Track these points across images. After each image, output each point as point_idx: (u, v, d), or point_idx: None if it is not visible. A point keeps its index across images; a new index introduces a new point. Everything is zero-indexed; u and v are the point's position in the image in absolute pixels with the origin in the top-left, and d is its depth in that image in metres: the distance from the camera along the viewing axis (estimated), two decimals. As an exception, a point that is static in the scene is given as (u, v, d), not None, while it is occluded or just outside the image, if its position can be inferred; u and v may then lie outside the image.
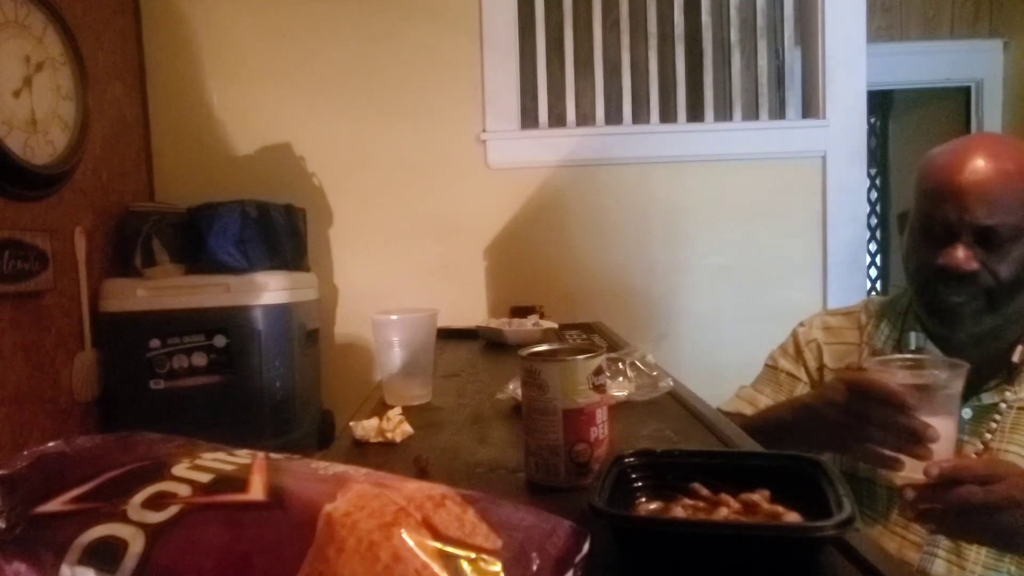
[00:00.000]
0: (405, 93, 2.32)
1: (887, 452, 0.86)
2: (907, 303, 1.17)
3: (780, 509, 0.53)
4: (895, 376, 0.87)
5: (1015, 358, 1.04)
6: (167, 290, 1.88)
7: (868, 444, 0.87)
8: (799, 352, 1.24)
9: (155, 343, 1.85)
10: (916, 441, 0.84)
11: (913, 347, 1.10)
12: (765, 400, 1.23)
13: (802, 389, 1.22)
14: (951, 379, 0.86)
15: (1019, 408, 1.03)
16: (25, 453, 0.47)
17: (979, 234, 0.98)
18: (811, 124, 2.34)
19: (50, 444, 0.49)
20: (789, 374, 1.24)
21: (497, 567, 0.38)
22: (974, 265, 0.98)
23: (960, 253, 0.98)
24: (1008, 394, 1.03)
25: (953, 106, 3.04)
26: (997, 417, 1.03)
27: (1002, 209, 0.97)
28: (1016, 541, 0.87)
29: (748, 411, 1.21)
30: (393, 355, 1.02)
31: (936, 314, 1.06)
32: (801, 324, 1.28)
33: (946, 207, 0.99)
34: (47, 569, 0.38)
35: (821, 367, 1.22)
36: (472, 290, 2.35)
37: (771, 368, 1.27)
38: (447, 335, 1.65)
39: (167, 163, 2.32)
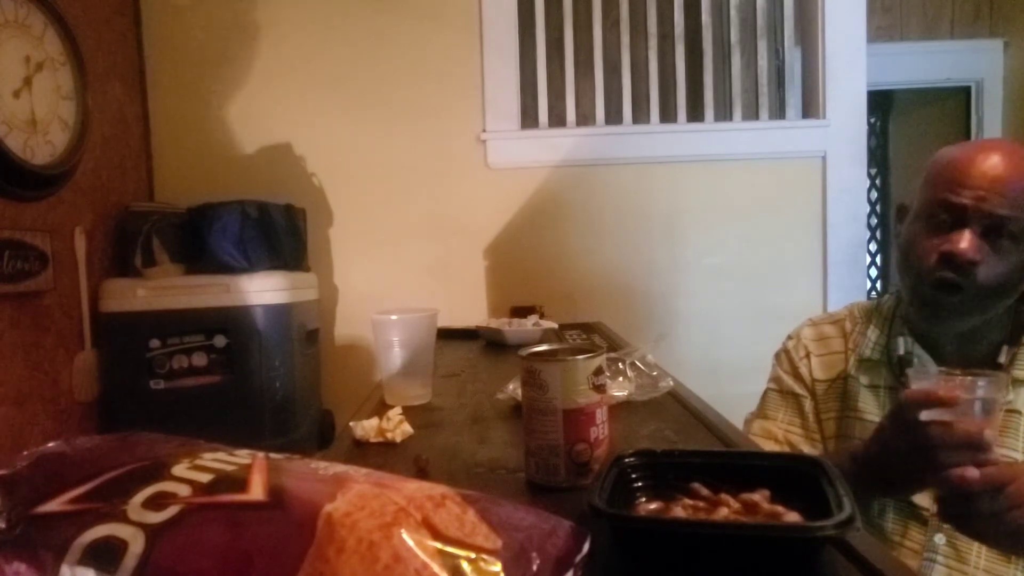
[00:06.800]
0: (405, 93, 2.32)
1: (956, 471, 0.81)
2: (893, 308, 1.16)
3: (780, 509, 0.53)
4: (936, 384, 0.86)
5: (1001, 359, 1.04)
6: (167, 290, 1.88)
7: (939, 465, 0.83)
8: (795, 368, 1.22)
9: (155, 343, 1.85)
10: (975, 449, 0.82)
11: (901, 352, 1.09)
12: (780, 428, 1.20)
13: (808, 405, 1.20)
14: (989, 388, 0.85)
15: (1009, 411, 1.03)
16: (25, 453, 0.47)
17: (988, 226, 0.98)
18: (811, 124, 2.34)
19: (50, 444, 0.49)
20: (794, 394, 1.21)
21: (497, 567, 0.38)
22: (978, 255, 0.98)
23: (967, 242, 0.98)
24: None
25: (953, 106, 3.04)
26: None
27: (1017, 204, 0.97)
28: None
29: (776, 448, 1.18)
30: (393, 355, 1.02)
31: (926, 306, 1.05)
32: (789, 337, 1.27)
33: (962, 193, 0.99)
34: (47, 569, 0.38)
35: (813, 380, 1.21)
36: (472, 290, 2.35)
37: (776, 392, 1.24)
38: (447, 335, 1.65)
39: (167, 163, 2.32)
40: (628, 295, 2.34)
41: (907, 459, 0.87)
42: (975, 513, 0.83)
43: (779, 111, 2.39)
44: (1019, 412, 1.02)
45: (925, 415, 0.83)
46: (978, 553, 1.01)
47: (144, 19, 2.29)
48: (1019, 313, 1.07)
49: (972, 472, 0.80)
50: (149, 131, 2.31)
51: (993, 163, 0.98)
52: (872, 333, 1.17)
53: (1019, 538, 0.85)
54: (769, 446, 1.18)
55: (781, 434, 1.20)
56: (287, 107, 2.32)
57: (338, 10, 2.30)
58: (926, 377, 0.88)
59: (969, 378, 0.84)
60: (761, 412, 1.25)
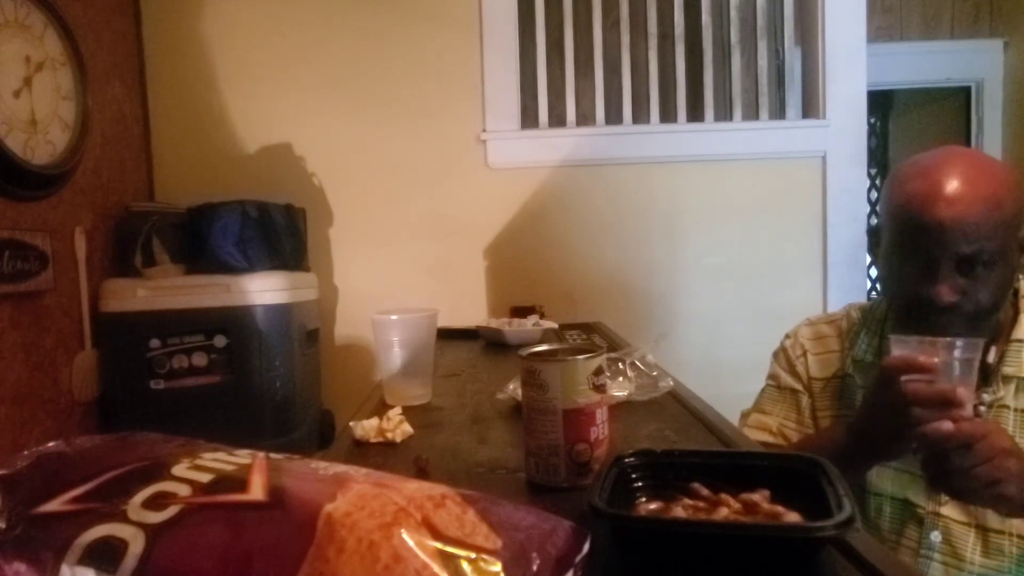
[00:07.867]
0: (405, 93, 2.32)
1: (931, 424, 0.86)
2: (884, 310, 1.17)
3: (780, 509, 0.53)
4: (916, 350, 0.90)
5: (990, 359, 1.05)
6: (167, 290, 1.88)
7: (916, 422, 0.88)
8: (792, 366, 1.24)
9: (155, 343, 1.85)
10: (950, 405, 0.86)
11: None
12: (775, 421, 1.21)
13: (805, 401, 1.21)
14: (966, 349, 0.89)
15: (999, 406, 1.04)
16: (25, 453, 0.47)
17: (960, 262, 0.98)
18: (811, 124, 2.34)
19: (50, 444, 0.49)
20: (792, 390, 1.23)
21: (497, 567, 0.38)
22: (956, 297, 0.99)
23: (942, 287, 0.98)
24: (985, 395, 1.04)
25: (953, 106, 3.04)
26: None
27: (981, 236, 0.96)
28: (1001, 491, 0.88)
29: (770, 439, 1.19)
30: (393, 355, 1.02)
31: (920, 323, 1.06)
32: (787, 336, 1.28)
33: (926, 240, 0.98)
34: (47, 569, 0.38)
35: (810, 378, 1.22)
36: (472, 290, 2.35)
37: (774, 388, 1.25)
38: (447, 335, 1.65)
39: (167, 163, 2.32)
40: (628, 295, 2.34)
41: (889, 419, 0.92)
42: (950, 469, 0.87)
43: (779, 111, 2.39)
44: (1008, 407, 1.04)
45: (905, 377, 0.89)
46: (973, 549, 1.02)
47: (144, 19, 2.29)
48: (1005, 313, 1.08)
49: (947, 425, 0.85)
50: (149, 131, 2.31)
51: (949, 197, 0.96)
52: (865, 335, 1.18)
53: (992, 491, 0.88)
54: (763, 437, 1.20)
55: (775, 426, 1.21)
56: (287, 107, 2.32)
57: (338, 10, 2.30)
58: (907, 342, 0.92)
59: (948, 340, 0.89)
60: (757, 407, 1.27)
